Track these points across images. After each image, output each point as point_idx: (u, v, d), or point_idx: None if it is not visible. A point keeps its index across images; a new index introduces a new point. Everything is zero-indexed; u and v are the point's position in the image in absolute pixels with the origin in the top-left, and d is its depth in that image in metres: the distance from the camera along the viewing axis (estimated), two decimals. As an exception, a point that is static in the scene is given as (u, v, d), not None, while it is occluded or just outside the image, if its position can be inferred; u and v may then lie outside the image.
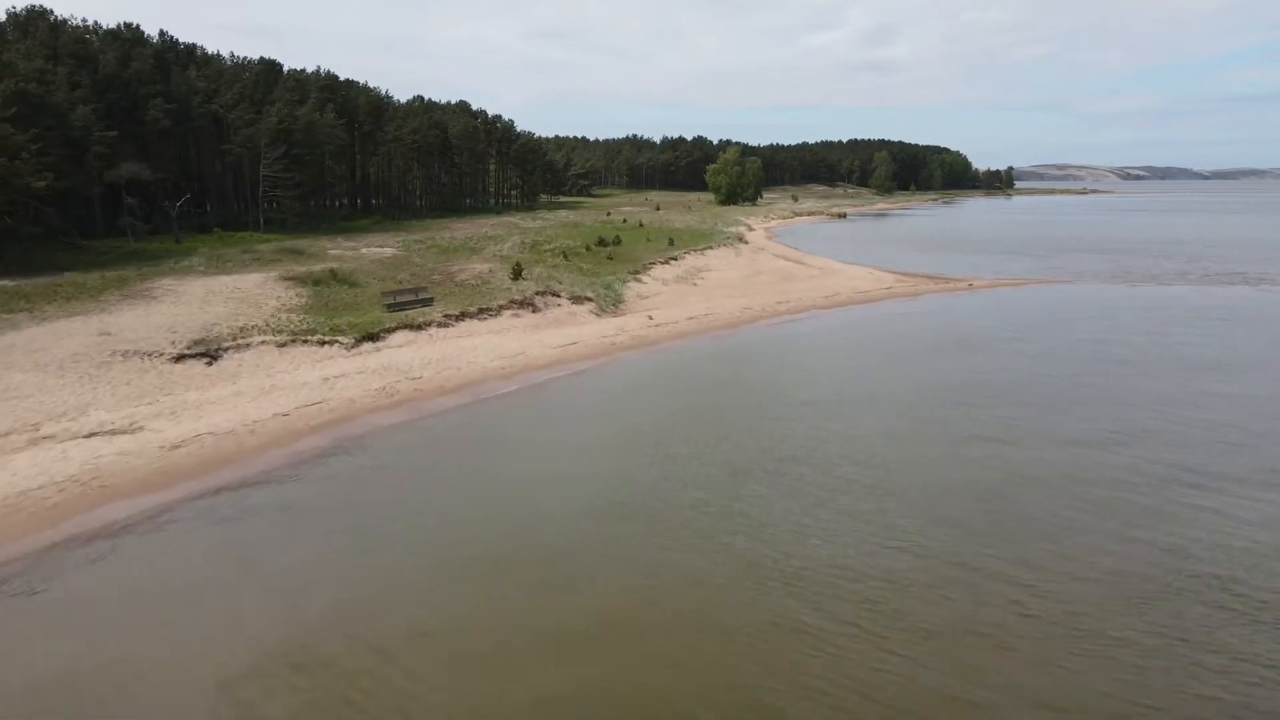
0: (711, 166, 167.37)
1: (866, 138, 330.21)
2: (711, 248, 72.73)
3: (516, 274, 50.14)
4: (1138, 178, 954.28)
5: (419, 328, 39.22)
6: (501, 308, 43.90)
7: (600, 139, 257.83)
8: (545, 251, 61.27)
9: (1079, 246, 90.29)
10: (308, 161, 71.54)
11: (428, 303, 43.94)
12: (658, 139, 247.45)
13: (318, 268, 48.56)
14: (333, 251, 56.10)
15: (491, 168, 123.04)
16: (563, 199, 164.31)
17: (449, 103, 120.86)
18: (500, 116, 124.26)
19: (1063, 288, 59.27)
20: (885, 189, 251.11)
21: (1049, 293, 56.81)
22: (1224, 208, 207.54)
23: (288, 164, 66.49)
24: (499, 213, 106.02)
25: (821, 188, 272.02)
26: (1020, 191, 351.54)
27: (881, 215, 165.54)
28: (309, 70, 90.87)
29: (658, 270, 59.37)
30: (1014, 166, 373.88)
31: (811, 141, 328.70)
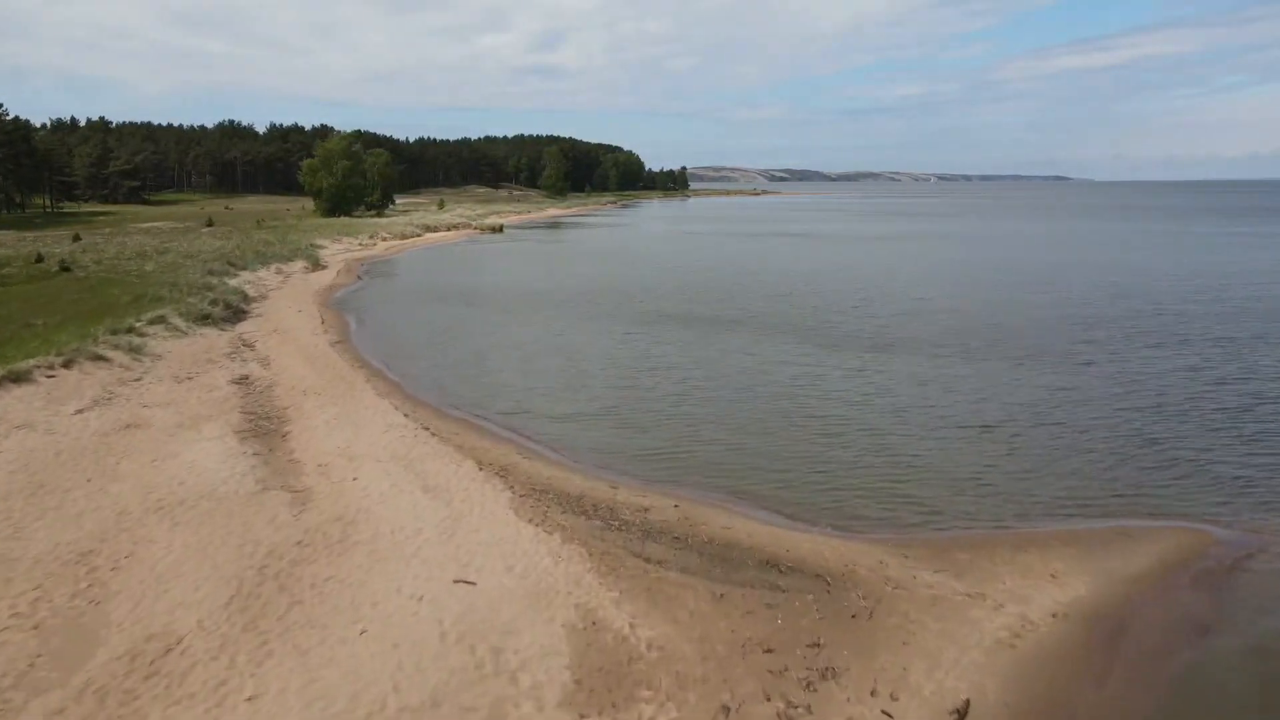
0: (307, 162, 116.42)
1: (536, 134, 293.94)
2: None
3: None
4: (781, 179, 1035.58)
5: None
6: None
7: (188, 125, 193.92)
8: None
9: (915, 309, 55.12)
10: None
11: None
12: (263, 126, 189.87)
13: None
14: None
15: None
16: (85, 209, 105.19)
17: None
18: None
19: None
20: (557, 190, 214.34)
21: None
22: (899, 210, 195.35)
23: None
24: None
25: (483, 190, 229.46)
26: (695, 192, 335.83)
27: (554, 226, 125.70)
28: None
29: None
30: (685, 167, 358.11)
31: (473, 138, 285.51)
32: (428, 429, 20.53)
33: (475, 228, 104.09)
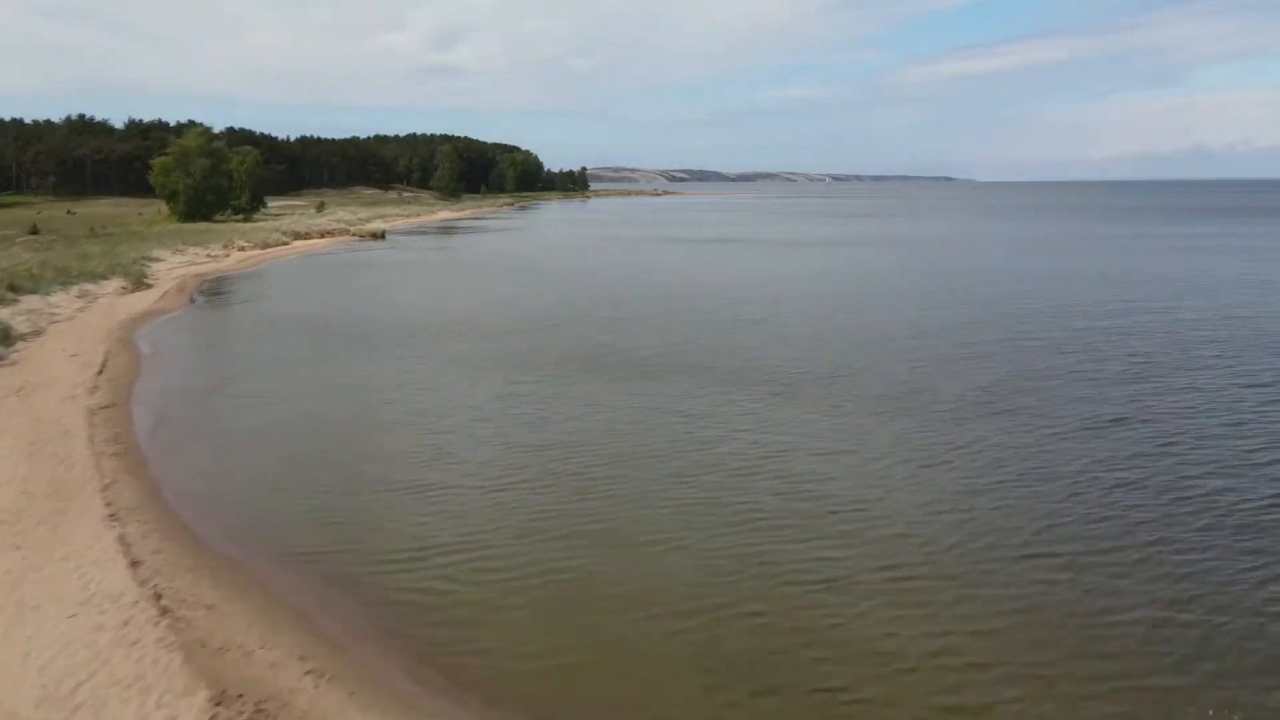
0: (159, 160, 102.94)
1: (428, 133, 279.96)
2: None
3: None
4: (681, 179, 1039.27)
5: None
6: None
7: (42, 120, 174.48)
8: None
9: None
10: None
11: None
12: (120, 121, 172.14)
13: None
14: None
15: None
16: None
17: None
18: None
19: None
20: (451, 192, 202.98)
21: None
22: (826, 212, 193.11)
23: None
24: None
25: (371, 191, 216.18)
26: (596, 193, 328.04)
27: (446, 230, 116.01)
28: None
29: None
30: (585, 168, 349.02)
31: (363, 136, 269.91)
32: (160, 599, 12.18)
33: (354, 234, 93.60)
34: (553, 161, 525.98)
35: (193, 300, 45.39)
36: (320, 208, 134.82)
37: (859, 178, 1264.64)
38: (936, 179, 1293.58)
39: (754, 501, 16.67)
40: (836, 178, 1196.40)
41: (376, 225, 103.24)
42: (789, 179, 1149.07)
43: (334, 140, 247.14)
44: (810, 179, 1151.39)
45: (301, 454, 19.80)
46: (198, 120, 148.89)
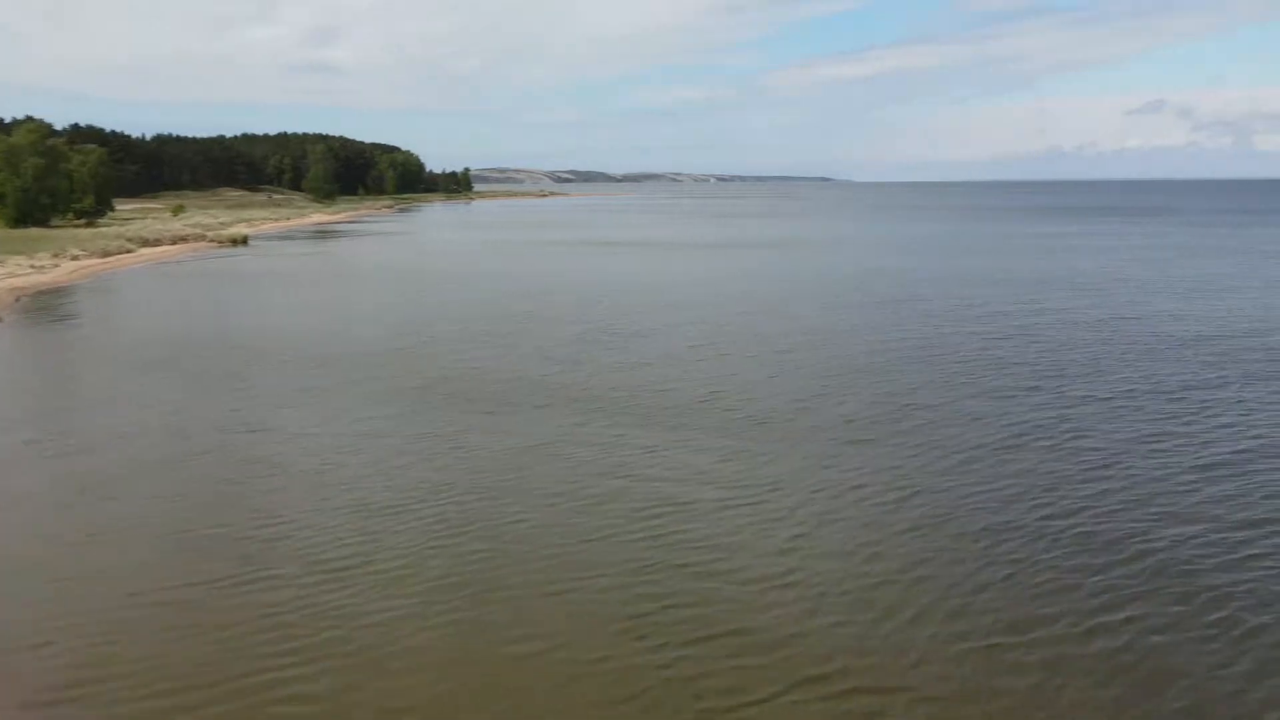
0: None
1: (302, 132, 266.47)
2: None
3: None
4: (567, 180, 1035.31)
5: None
6: None
7: None
8: None
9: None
10: None
11: None
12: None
13: None
14: None
15: None
16: None
17: None
18: None
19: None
20: (325, 194, 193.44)
21: None
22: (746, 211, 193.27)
23: None
24: None
25: (238, 193, 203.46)
26: (480, 194, 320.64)
27: (318, 235, 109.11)
28: None
29: None
30: (469, 169, 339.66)
31: (229, 135, 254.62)
32: None
33: (212, 240, 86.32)
34: (436, 163, 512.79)
35: (0, 319, 39.37)
36: (177, 211, 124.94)
37: (742, 178, 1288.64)
38: (816, 179, 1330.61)
39: (636, 555, 13.86)
40: (720, 178, 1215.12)
41: (239, 230, 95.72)
42: (674, 179, 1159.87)
43: (196, 139, 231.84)
44: (695, 179, 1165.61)
45: (102, 523, 15.78)
46: (36, 116, 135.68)
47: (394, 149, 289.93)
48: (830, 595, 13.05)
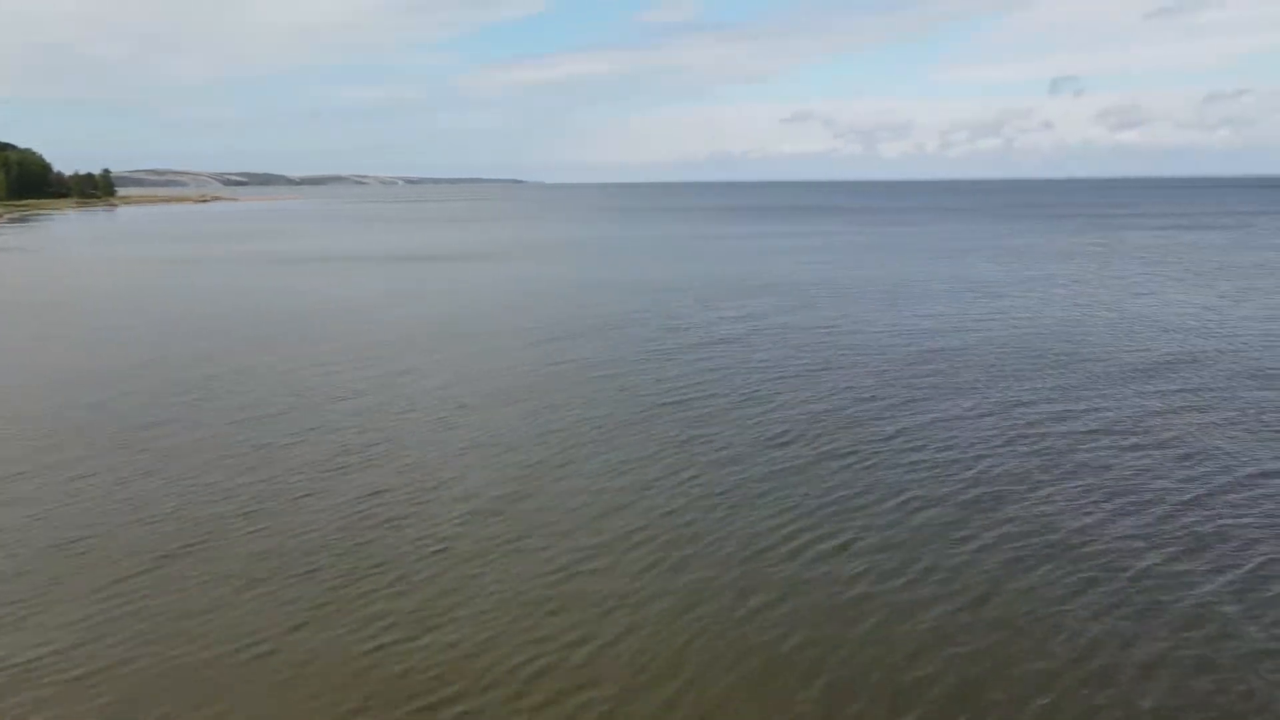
0: None
1: None
2: None
3: None
4: (240, 183, 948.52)
5: None
6: None
7: None
8: None
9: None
10: None
11: None
12: None
13: None
14: None
15: None
16: None
17: None
18: None
19: None
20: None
21: None
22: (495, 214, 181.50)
23: None
24: None
25: None
26: (127, 199, 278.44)
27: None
28: None
29: None
30: (110, 171, 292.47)
31: None
32: None
33: None
34: (68, 163, 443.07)
35: None
36: None
37: (434, 180, 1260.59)
38: (508, 181, 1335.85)
39: None
40: (410, 180, 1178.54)
41: None
42: (360, 182, 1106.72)
43: None
44: (383, 182, 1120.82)
45: None
46: None
47: (9, 147, 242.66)
48: None
